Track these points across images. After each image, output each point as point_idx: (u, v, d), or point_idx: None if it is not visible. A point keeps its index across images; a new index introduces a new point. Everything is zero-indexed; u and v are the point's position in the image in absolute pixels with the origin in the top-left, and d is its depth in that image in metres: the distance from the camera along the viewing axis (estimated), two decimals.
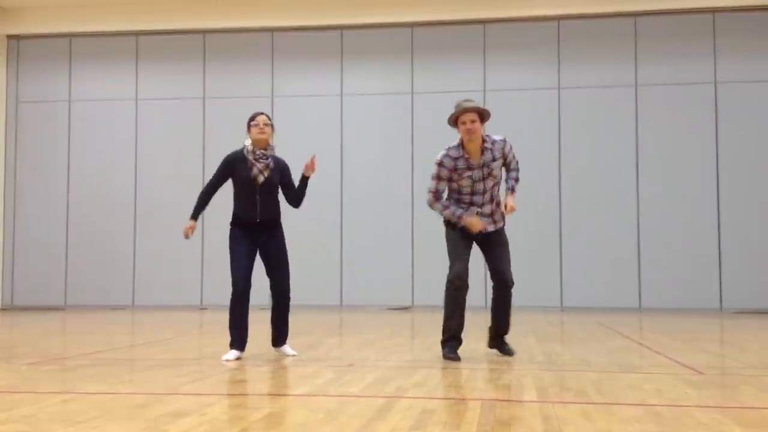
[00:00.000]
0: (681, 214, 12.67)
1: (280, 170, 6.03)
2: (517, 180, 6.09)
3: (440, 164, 5.86)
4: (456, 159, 5.84)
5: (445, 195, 5.96)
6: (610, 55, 13.10)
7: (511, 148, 6.02)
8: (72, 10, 14.06)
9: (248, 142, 5.97)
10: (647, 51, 12.98)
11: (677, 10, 12.91)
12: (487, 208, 5.92)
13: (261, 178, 5.89)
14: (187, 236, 6.03)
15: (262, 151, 5.92)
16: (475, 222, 5.80)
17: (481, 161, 5.85)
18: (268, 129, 5.94)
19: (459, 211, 5.83)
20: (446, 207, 5.88)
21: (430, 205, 5.96)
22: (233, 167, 5.94)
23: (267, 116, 6.02)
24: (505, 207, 5.89)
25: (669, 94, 12.87)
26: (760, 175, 12.59)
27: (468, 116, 5.79)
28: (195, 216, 6.04)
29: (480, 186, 5.87)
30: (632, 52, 13.04)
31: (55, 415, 3.62)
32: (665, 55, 12.92)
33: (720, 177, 12.68)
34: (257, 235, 5.95)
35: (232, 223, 6.00)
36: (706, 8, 12.83)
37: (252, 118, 5.97)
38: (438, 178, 5.88)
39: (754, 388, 4.53)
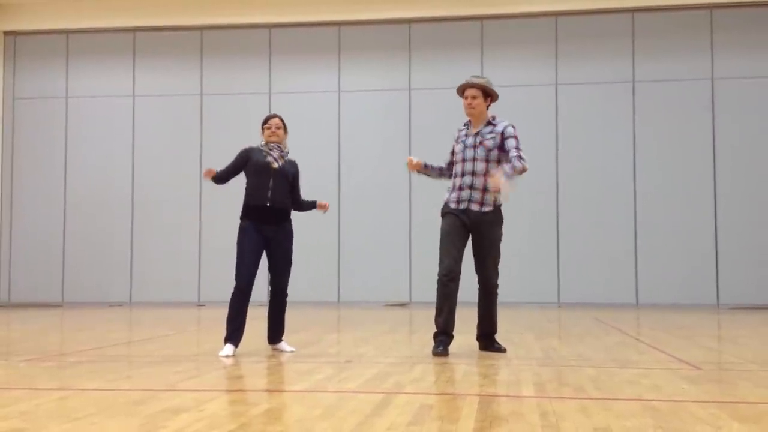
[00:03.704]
0: (678, 210, 12.68)
1: (293, 169, 6.16)
2: (513, 169, 5.74)
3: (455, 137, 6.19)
4: (461, 131, 6.14)
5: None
6: (607, 52, 13.10)
7: (513, 132, 5.97)
8: (69, 7, 14.04)
9: (261, 141, 6.16)
10: (645, 47, 12.98)
11: (675, 6, 12.92)
12: (478, 181, 5.88)
13: (275, 164, 6.00)
14: (208, 175, 6.12)
15: (278, 146, 6.09)
16: (409, 160, 6.21)
17: (479, 130, 5.99)
18: (279, 131, 6.12)
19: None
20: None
21: None
22: (249, 156, 6.07)
23: (280, 119, 6.19)
24: (494, 186, 5.73)
25: (666, 90, 12.87)
26: (756, 171, 12.61)
27: (470, 91, 5.99)
28: (216, 175, 6.13)
29: (470, 153, 5.94)
30: (630, 49, 13.04)
31: (52, 412, 3.62)
32: (662, 51, 12.93)
33: (717, 173, 12.69)
34: (267, 228, 5.96)
35: (243, 216, 6.02)
36: (704, 4, 12.84)
37: (265, 121, 6.16)
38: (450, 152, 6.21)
39: (751, 383, 4.54)
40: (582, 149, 12.98)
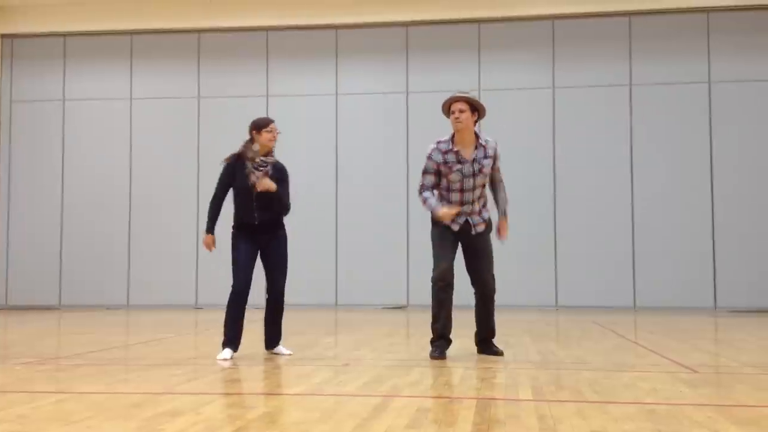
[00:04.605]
0: (676, 214, 12.70)
1: (278, 176, 5.96)
2: (507, 201, 6.06)
3: (429, 157, 5.84)
4: (445, 153, 5.81)
5: (436, 192, 5.92)
6: (604, 55, 13.12)
7: (499, 154, 5.97)
8: (66, 10, 14.04)
9: (255, 147, 5.96)
10: (642, 50, 13.00)
11: (671, 9, 12.94)
12: (477, 206, 5.90)
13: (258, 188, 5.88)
14: (210, 249, 5.99)
15: (263, 158, 5.94)
16: (446, 213, 5.76)
17: (473, 156, 5.83)
18: (278, 137, 6.03)
19: (434, 203, 5.82)
20: (425, 200, 5.86)
21: (421, 203, 5.96)
22: (233, 174, 5.94)
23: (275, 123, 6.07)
24: (498, 232, 5.96)
25: (663, 93, 12.89)
26: (754, 175, 12.63)
27: (457, 105, 5.80)
28: (211, 229, 5.98)
29: (470, 182, 5.82)
30: (627, 52, 13.06)
31: (49, 415, 3.61)
32: (659, 54, 12.95)
33: (714, 176, 12.71)
34: (258, 237, 5.96)
35: (234, 226, 6.02)
36: (700, 8, 12.86)
37: (265, 125, 5.97)
38: (425, 172, 5.87)
39: (749, 386, 4.55)
40: (579, 152, 12.99)
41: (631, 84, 13.00)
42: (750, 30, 12.83)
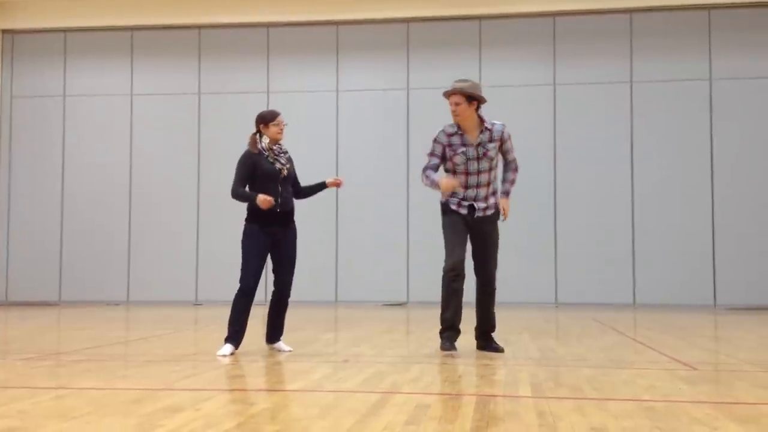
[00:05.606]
0: (676, 211, 12.69)
1: (293, 166, 6.15)
2: (513, 183, 6.10)
3: (435, 140, 5.94)
4: (450, 135, 5.90)
5: (439, 173, 5.98)
6: (605, 52, 13.11)
7: (509, 136, 6.01)
8: (67, 5, 14.03)
9: (266, 140, 5.99)
10: (642, 47, 12.99)
11: (672, 6, 12.93)
12: (483, 192, 5.90)
13: (285, 171, 5.98)
14: (270, 203, 5.73)
15: (279, 146, 6.04)
16: (448, 182, 5.78)
17: (478, 140, 5.86)
18: (285, 129, 6.09)
19: (436, 177, 5.87)
20: (427, 177, 5.92)
21: (422, 181, 6.01)
22: (254, 162, 5.92)
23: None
24: (503, 212, 6.00)
25: (664, 90, 12.88)
26: (754, 172, 12.62)
27: (452, 98, 5.87)
28: (253, 196, 5.79)
29: (474, 165, 5.85)
30: (627, 49, 13.05)
31: (49, 411, 3.62)
32: (660, 51, 12.94)
33: (714, 173, 12.71)
34: (273, 231, 5.93)
35: (248, 219, 5.95)
36: (702, 5, 12.85)
37: (272, 118, 6.02)
38: (431, 153, 5.94)
39: (747, 383, 4.55)
40: (580, 149, 12.99)
41: (631, 81, 12.99)
42: (751, 27, 12.81)
